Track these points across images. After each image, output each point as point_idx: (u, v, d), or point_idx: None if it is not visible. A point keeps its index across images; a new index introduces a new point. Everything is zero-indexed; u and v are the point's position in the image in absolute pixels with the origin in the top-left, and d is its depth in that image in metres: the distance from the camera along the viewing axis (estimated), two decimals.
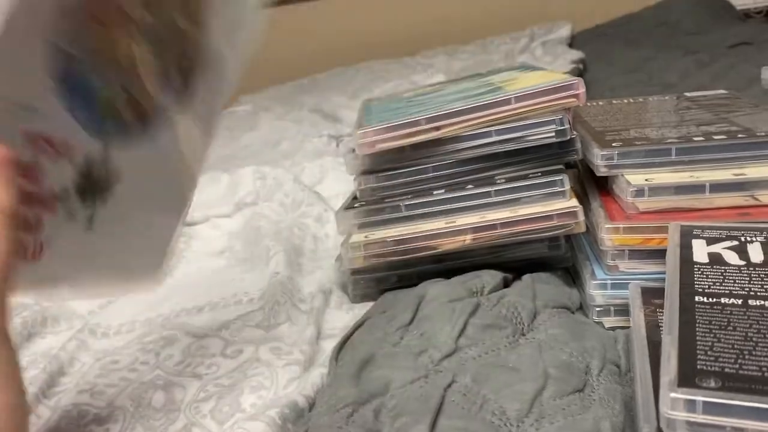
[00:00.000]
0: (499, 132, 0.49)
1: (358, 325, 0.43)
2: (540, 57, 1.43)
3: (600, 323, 0.44)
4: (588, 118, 0.59)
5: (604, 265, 0.45)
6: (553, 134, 0.48)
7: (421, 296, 0.44)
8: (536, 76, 0.53)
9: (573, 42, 1.57)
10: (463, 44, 1.76)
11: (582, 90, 0.49)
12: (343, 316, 0.48)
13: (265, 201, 0.64)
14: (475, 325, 0.39)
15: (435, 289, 0.44)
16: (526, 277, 0.46)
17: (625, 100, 0.65)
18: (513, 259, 0.48)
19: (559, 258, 0.48)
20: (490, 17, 1.91)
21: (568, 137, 0.48)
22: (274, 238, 0.57)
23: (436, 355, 0.37)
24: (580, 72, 1.26)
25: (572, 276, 0.51)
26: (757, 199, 0.45)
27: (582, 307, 0.47)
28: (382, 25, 2.03)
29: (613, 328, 0.44)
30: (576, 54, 1.35)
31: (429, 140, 0.49)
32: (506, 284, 0.47)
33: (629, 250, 0.44)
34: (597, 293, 0.44)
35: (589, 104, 0.65)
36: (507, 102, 0.48)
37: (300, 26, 2.06)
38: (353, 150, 0.51)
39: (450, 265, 0.49)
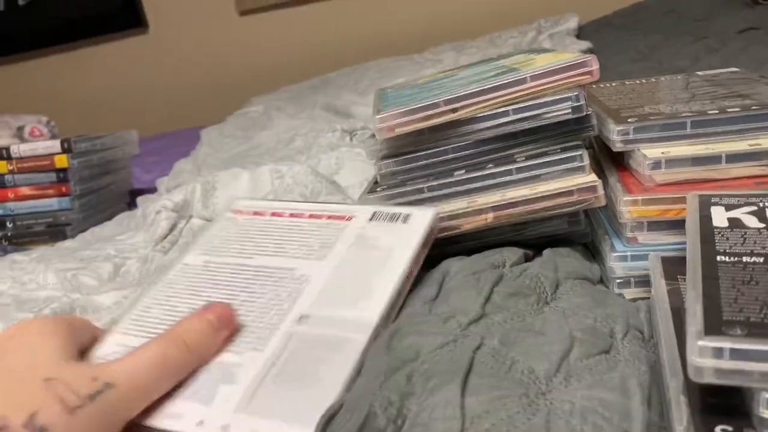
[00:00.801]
0: (516, 111, 0.50)
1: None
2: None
3: (621, 295, 0.45)
4: (602, 97, 0.60)
5: (623, 238, 0.46)
6: (570, 110, 0.49)
7: (445, 272, 0.45)
8: (549, 57, 0.54)
9: (580, 33, 1.58)
10: (471, 39, 1.77)
11: (596, 66, 0.50)
12: None
13: (288, 196, 0.65)
14: (500, 293, 0.40)
15: (458, 264, 0.45)
16: (547, 251, 0.47)
17: (638, 81, 0.65)
18: (534, 236, 0.49)
19: (579, 233, 0.49)
20: (497, 11, 1.92)
21: (584, 113, 0.49)
22: None
23: (464, 320, 0.38)
24: None
25: (592, 252, 0.51)
26: None
27: (603, 281, 0.48)
28: (388, 23, 2.04)
29: (634, 300, 0.45)
30: (584, 44, 1.36)
31: (447, 122, 0.51)
32: (527, 259, 0.48)
33: (648, 221, 0.45)
34: (617, 265, 0.45)
35: (602, 85, 0.66)
36: (523, 81, 0.49)
37: (307, 28, 2.08)
38: (372, 135, 0.52)
39: (472, 244, 0.50)
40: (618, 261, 0.45)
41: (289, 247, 0.48)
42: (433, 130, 0.51)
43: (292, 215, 0.51)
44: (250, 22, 2.09)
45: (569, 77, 0.49)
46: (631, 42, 1.35)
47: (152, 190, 1.04)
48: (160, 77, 2.14)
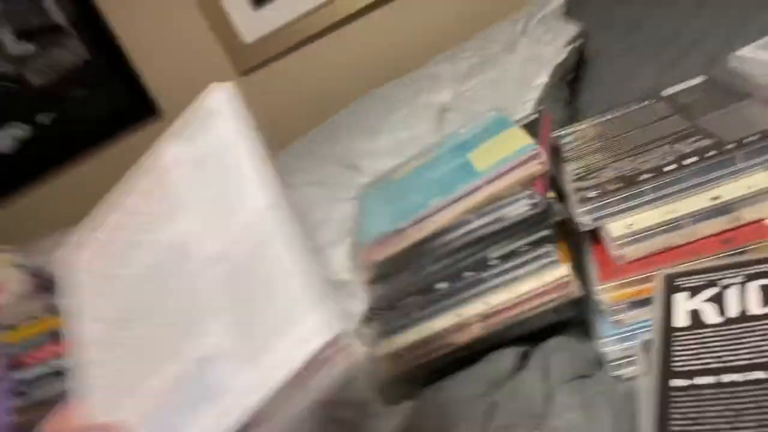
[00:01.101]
0: (478, 216, 0.51)
1: None
2: (541, 36, 1.41)
3: (619, 376, 0.46)
4: (569, 153, 0.60)
5: (609, 322, 0.47)
6: (528, 207, 0.50)
7: (446, 400, 0.47)
8: (502, 144, 0.55)
9: (569, 9, 1.55)
10: (464, 41, 1.76)
11: (544, 157, 0.50)
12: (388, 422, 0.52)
13: None
14: (495, 430, 0.42)
15: (456, 390, 0.47)
16: (538, 354, 0.48)
17: (606, 117, 0.65)
18: (525, 333, 0.51)
19: (566, 320, 0.50)
20: (484, 7, 1.90)
21: (543, 208, 0.50)
22: None
23: None
24: (581, 48, 1.23)
25: (587, 325, 0.52)
26: (739, 219, 0.45)
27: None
28: (381, 48, 2.05)
29: (631, 378, 0.46)
30: (573, 29, 1.33)
31: (418, 240, 0.52)
32: (523, 357, 0.50)
33: (629, 302, 0.46)
34: (609, 350, 0.46)
35: (573, 131, 0.66)
36: (477, 188, 0.51)
37: (305, 72, 2.11)
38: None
39: (472, 349, 0.52)
40: (610, 345, 0.46)
41: None
42: (408, 249, 0.53)
43: None
44: (254, 81, 2.13)
45: (522, 173, 0.50)
46: (618, 12, 1.31)
47: None
48: None
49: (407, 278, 0.54)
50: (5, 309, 1.33)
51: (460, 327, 0.50)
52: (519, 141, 0.53)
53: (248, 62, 2.12)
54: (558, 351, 0.48)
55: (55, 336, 0.97)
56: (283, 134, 1.96)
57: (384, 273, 0.55)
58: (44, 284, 1.43)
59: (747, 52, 0.55)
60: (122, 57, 2.16)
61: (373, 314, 0.54)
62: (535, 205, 0.49)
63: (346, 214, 1.00)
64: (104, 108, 2.20)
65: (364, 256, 0.53)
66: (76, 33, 2.12)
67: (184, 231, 0.41)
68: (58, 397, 0.94)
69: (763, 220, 0.45)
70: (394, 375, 0.52)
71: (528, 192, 0.49)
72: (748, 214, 0.45)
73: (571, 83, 1.08)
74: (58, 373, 0.97)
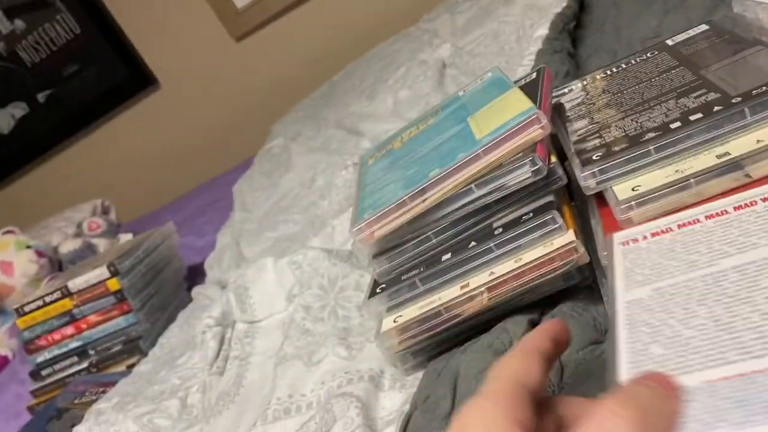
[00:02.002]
0: (479, 185, 0.50)
1: (406, 423, 0.46)
2: None
3: None
4: (571, 111, 0.59)
5: None
6: (530, 174, 0.49)
7: (456, 373, 0.47)
8: (501, 109, 0.54)
9: None
10: None
11: (545, 121, 0.49)
12: (396, 395, 0.52)
13: (308, 289, 0.69)
14: None
15: (466, 361, 0.47)
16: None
17: (609, 71, 0.63)
18: (534, 300, 0.50)
19: (575, 285, 0.50)
20: None
21: (546, 173, 0.48)
22: (320, 334, 0.62)
23: None
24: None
25: (597, 287, 0.52)
26: (749, 176, 0.44)
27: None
28: (373, 7, 2.01)
29: None
30: None
31: (420, 212, 0.52)
32: (533, 325, 0.49)
33: None
34: None
35: (573, 87, 0.64)
36: (477, 157, 0.50)
37: (303, 32, 2.07)
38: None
39: (481, 319, 0.51)
40: None
41: (756, 238, 0.35)
42: (410, 221, 0.53)
43: (710, 217, 0.40)
44: (249, 46, 2.10)
45: (521, 139, 0.49)
46: None
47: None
48: (184, 128, 2.20)
49: (411, 251, 0.53)
50: (16, 291, 1.35)
51: (467, 298, 0.49)
52: (518, 105, 0.52)
53: (242, 28, 2.09)
54: (568, 318, 0.47)
55: (66, 318, 0.99)
56: (281, 99, 1.95)
57: (387, 247, 0.54)
58: (53, 264, 1.44)
59: None
60: (114, 29, 2.13)
61: (380, 288, 0.54)
62: (537, 171, 0.48)
63: (348, 181, 0.99)
64: (100, 82, 2.18)
65: (366, 231, 0.52)
66: (66, 7, 2.09)
67: None
68: (73, 377, 0.96)
69: None
70: (402, 348, 0.52)
71: (529, 158, 0.48)
72: (757, 171, 0.44)
73: (573, 31, 1.05)
74: (72, 355, 0.99)
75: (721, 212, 0.39)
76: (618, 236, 0.43)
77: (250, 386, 0.64)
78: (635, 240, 0.41)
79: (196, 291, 0.98)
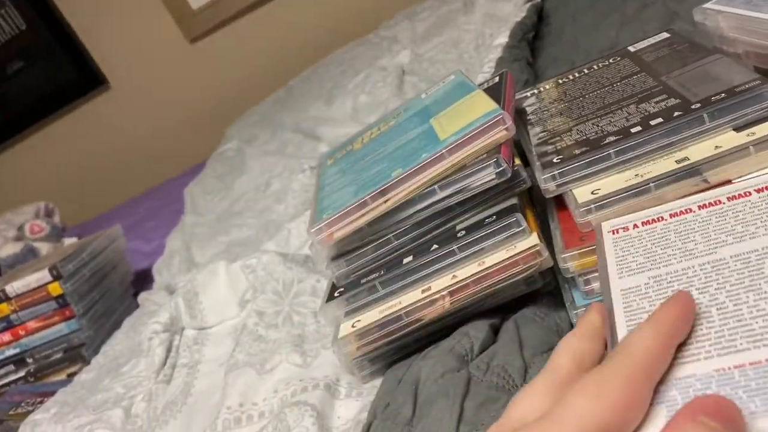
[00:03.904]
0: (442, 187, 0.49)
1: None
2: None
3: None
4: (532, 115, 0.58)
5: (580, 291, 0.46)
6: (494, 176, 0.48)
7: (417, 378, 0.46)
8: (465, 110, 0.53)
9: None
10: (421, 1, 1.72)
11: (509, 122, 0.48)
12: (352, 404, 0.50)
13: (261, 294, 0.66)
14: (471, 407, 0.41)
15: (427, 366, 0.46)
16: (510, 325, 0.47)
17: (570, 76, 0.63)
18: (495, 305, 0.49)
19: (538, 290, 0.49)
20: None
21: (510, 175, 0.48)
22: (274, 341, 0.60)
23: None
24: (541, 4, 1.21)
25: (559, 293, 0.51)
26: (707, 181, 0.44)
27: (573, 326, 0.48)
28: (337, 10, 1.99)
29: None
30: None
31: (381, 213, 0.50)
32: (495, 330, 0.48)
33: (596, 270, 0.45)
34: None
35: (534, 91, 0.64)
36: (441, 158, 0.49)
37: (261, 36, 2.04)
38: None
39: (441, 324, 0.50)
40: None
41: (754, 228, 0.35)
42: (371, 223, 0.51)
43: (703, 206, 0.40)
44: (205, 48, 2.06)
45: (486, 140, 0.48)
46: None
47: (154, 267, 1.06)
48: (135, 130, 2.14)
49: (371, 254, 0.52)
50: None
51: (428, 302, 0.48)
52: (482, 106, 0.51)
53: (197, 29, 2.04)
54: (531, 322, 0.47)
55: (3, 324, 0.93)
56: (237, 102, 1.91)
57: (346, 249, 0.52)
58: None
59: (712, 5, 0.54)
60: (62, 26, 2.06)
61: (338, 292, 0.52)
62: (501, 173, 0.47)
63: (305, 185, 0.97)
64: (47, 80, 2.10)
65: (325, 231, 0.50)
66: (11, 1, 2.01)
67: None
68: (8, 387, 0.91)
69: (730, 181, 0.44)
70: (360, 355, 0.51)
71: (493, 159, 0.47)
72: (715, 176, 0.44)
73: (532, 42, 1.06)
74: (8, 363, 0.93)
75: (715, 202, 0.39)
76: (606, 224, 0.42)
77: (199, 395, 0.62)
78: (625, 228, 0.41)
79: (143, 297, 0.94)
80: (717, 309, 0.31)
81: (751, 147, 0.43)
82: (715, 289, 0.32)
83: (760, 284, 0.31)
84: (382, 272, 0.51)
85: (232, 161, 1.35)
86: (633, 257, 0.38)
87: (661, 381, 0.28)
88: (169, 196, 1.57)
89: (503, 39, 1.01)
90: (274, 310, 0.65)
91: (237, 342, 0.63)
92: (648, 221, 0.41)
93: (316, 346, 0.59)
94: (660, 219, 0.40)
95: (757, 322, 0.29)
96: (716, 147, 0.44)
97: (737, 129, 0.45)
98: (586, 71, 0.63)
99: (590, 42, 0.94)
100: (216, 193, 1.23)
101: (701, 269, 0.34)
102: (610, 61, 0.62)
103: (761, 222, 0.35)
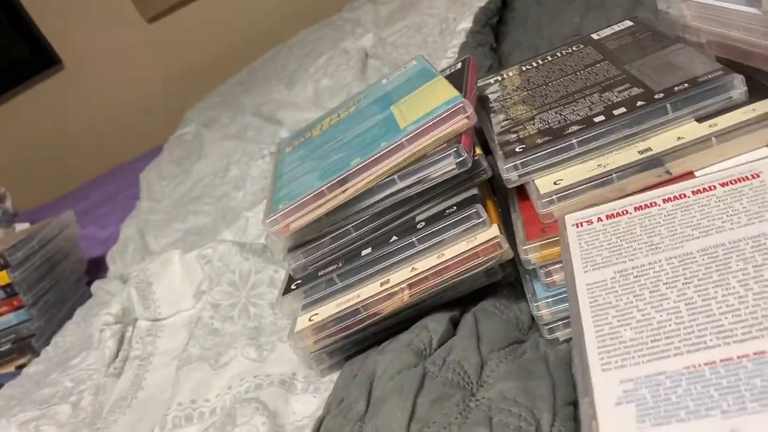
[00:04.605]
0: (402, 177, 0.48)
1: (318, 428, 0.43)
2: None
3: (555, 339, 0.45)
4: (495, 103, 0.57)
5: (541, 282, 0.45)
6: (454, 166, 0.46)
7: (372, 373, 0.44)
8: (426, 97, 0.51)
9: None
10: None
11: (470, 111, 0.47)
12: (309, 399, 0.49)
13: (217, 286, 0.64)
14: (424, 404, 0.40)
15: (383, 362, 0.44)
16: (469, 319, 0.46)
17: (534, 63, 0.62)
18: (455, 297, 0.48)
19: (498, 282, 0.48)
20: None
21: (470, 165, 0.46)
22: (230, 335, 0.58)
23: None
24: None
25: (519, 286, 0.50)
26: (669, 173, 0.44)
27: (534, 318, 0.47)
28: None
29: (567, 341, 0.44)
30: None
31: (340, 203, 0.49)
32: (455, 322, 0.47)
33: (558, 261, 0.44)
34: (543, 313, 0.44)
35: (498, 78, 0.63)
36: (401, 147, 0.47)
37: (220, 17, 1.99)
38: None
39: (400, 317, 0.49)
40: (544, 308, 0.44)
41: (720, 222, 0.34)
42: (329, 213, 0.49)
43: (668, 200, 0.39)
44: (163, 28, 2.00)
45: (446, 128, 0.47)
46: None
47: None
48: (89, 111, 2.07)
49: (329, 245, 0.50)
50: None
51: (387, 295, 0.47)
52: (444, 94, 0.50)
53: (155, 8, 1.98)
54: (490, 316, 0.46)
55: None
56: (196, 84, 1.86)
57: (303, 240, 0.51)
58: None
59: None
60: (13, 3, 1.97)
61: (295, 285, 0.51)
62: (461, 163, 0.46)
63: (264, 171, 0.95)
64: (3, 58, 2.01)
65: (281, 222, 0.49)
66: None
67: None
68: (5, 355, 0.86)
69: (692, 173, 0.44)
70: (317, 349, 0.49)
71: (453, 149, 0.46)
72: (677, 167, 0.44)
73: (495, 27, 1.05)
74: (2, 332, 0.88)
75: (680, 195, 0.39)
76: (570, 218, 0.42)
77: (151, 389, 0.60)
78: (589, 221, 0.40)
79: (96, 286, 0.91)
80: (685, 304, 0.30)
81: (713, 138, 0.42)
82: (683, 284, 0.31)
83: (728, 279, 0.30)
84: (340, 264, 0.50)
85: (190, 145, 1.32)
86: (598, 251, 0.37)
87: (631, 379, 0.28)
88: (125, 180, 1.52)
89: (467, 24, 1.00)
90: (229, 302, 0.63)
91: (191, 335, 0.61)
92: (612, 215, 0.40)
93: (272, 339, 0.57)
94: (625, 212, 0.40)
95: (726, 318, 0.28)
96: (678, 138, 0.44)
97: (699, 120, 0.44)
98: (549, 58, 0.62)
99: (554, 28, 0.93)
100: (173, 179, 1.20)
101: (668, 263, 0.33)
102: (574, 48, 0.61)
103: (727, 216, 0.35)
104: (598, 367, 0.29)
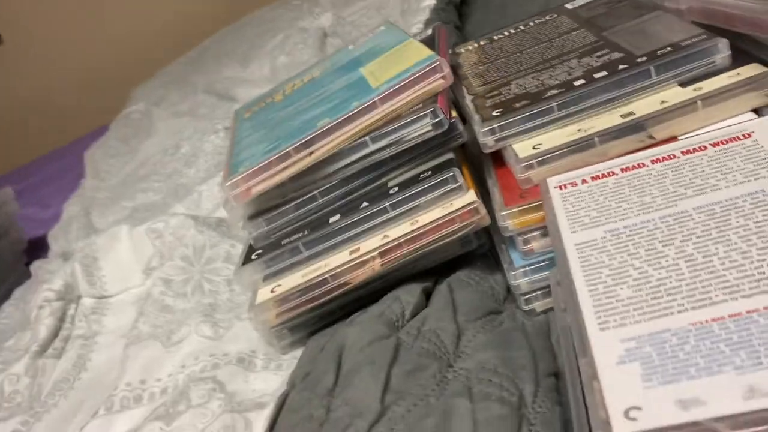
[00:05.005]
0: (374, 139, 0.45)
1: (281, 403, 0.40)
2: None
3: (532, 310, 0.43)
4: (467, 70, 0.55)
5: (519, 251, 0.43)
6: (430, 128, 0.44)
7: (341, 345, 0.42)
8: (399, 57, 0.49)
9: None
10: None
11: (447, 70, 0.45)
12: (270, 377, 0.46)
13: (169, 261, 0.60)
14: (399, 375, 0.37)
15: (353, 333, 0.42)
16: (444, 289, 0.44)
17: (506, 32, 0.60)
18: (428, 266, 0.46)
19: (472, 252, 0.46)
20: None
21: (447, 126, 0.44)
22: (182, 311, 0.54)
23: (363, 425, 0.34)
24: None
25: (494, 256, 0.48)
26: (652, 137, 0.42)
27: (510, 290, 0.45)
28: None
29: (545, 311, 0.42)
30: None
31: (306, 166, 0.45)
32: (428, 295, 0.45)
33: (541, 230, 0.42)
34: (520, 282, 0.42)
35: (470, 48, 0.60)
36: (373, 107, 0.44)
37: None
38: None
39: (370, 288, 0.46)
40: (520, 278, 0.42)
41: (714, 180, 0.33)
42: (294, 178, 0.46)
43: (656, 161, 0.37)
44: (109, 2, 1.91)
45: (421, 88, 0.44)
46: None
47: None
48: (30, 89, 1.97)
49: (293, 212, 0.47)
50: None
51: (357, 264, 0.44)
52: (417, 53, 0.47)
53: None
54: (465, 286, 0.44)
55: None
56: (144, 62, 1.79)
57: (266, 207, 0.47)
58: None
59: None
60: None
61: (255, 255, 0.47)
62: (438, 124, 0.44)
63: (219, 146, 0.90)
64: None
65: (242, 186, 0.45)
66: None
67: None
68: None
69: (675, 138, 0.42)
70: (279, 323, 0.46)
71: (430, 110, 0.43)
72: (660, 132, 0.42)
73: (459, 7, 1.03)
74: None
75: (669, 156, 0.37)
76: (552, 180, 0.39)
77: (95, 370, 0.55)
78: (573, 183, 0.38)
79: (36, 265, 0.85)
80: (685, 261, 0.28)
81: (698, 102, 0.41)
82: (681, 241, 0.30)
83: (728, 235, 0.29)
84: (306, 232, 0.46)
85: (138, 123, 1.26)
86: (585, 212, 0.35)
87: (633, 337, 0.25)
88: (69, 160, 1.45)
89: (430, 2, 0.98)
90: (183, 278, 0.59)
91: (141, 312, 0.57)
92: (598, 176, 0.38)
93: (229, 316, 0.54)
94: (611, 174, 0.38)
95: (731, 273, 0.27)
96: (662, 102, 0.42)
97: (683, 84, 0.43)
98: (522, 27, 0.60)
99: (519, 8, 0.92)
100: (120, 157, 1.14)
101: (662, 222, 0.31)
102: (547, 18, 0.60)
103: (722, 175, 0.33)
104: (596, 327, 0.27)
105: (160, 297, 0.58)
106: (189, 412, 0.44)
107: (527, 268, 0.42)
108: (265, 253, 0.47)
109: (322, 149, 0.45)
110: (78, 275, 0.65)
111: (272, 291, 0.46)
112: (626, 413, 0.23)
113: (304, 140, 0.45)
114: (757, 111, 0.41)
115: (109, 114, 1.52)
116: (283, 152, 0.45)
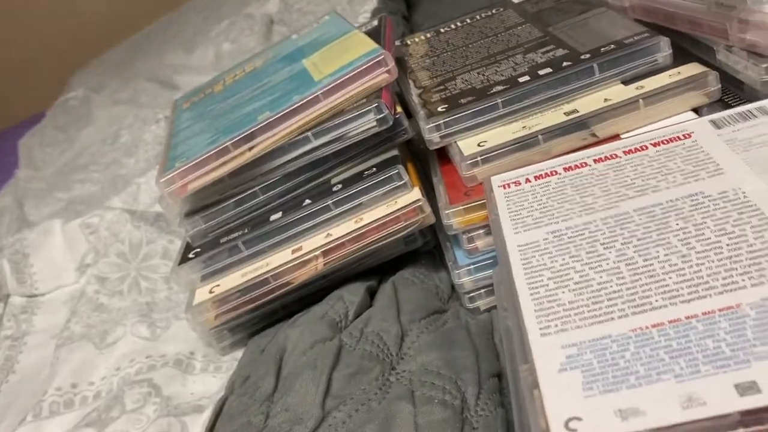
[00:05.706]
0: (316, 135, 0.43)
1: (219, 409, 0.39)
2: None
3: (476, 308, 0.42)
4: (414, 63, 0.54)
5: (463, 249, 0.42)
6: (375, 123, 0.43)
7: (282, 348, 0.40)
8: (343, 50, 0.47)
9: None
10: None
11: (391, 64, 0.44)
12: (209, 380, 0.44)
13: (104, 257, 0.57)
14: (340, 379, 0.36)
15: (295, 335, 0.41)
16: (388, 287, 0.43)
17: (453, 25, 0.60)
18: (373, 265, 0.45)
19: (417, 250, 0.45)
20: None
21: (391, 122, 0.43)
22: (118, 311, 0.52)
23: None
24: None
25: (439, 254, 0.48)
26: (595, 135, 0.42)
27: (454, 288, 0.45)
28: None
29: (489, 310, 0.42)
30: None
31: (245, 162, 0.44)
32: (372, 293, 0.44)
33: (484, 229, 0.41)
34: (464, 281, 0.42)
35: (417, 40, 0.60)
36: (316, 100, 0.43)
37: None
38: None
39: (312, 288, 0.45)
40: (464, 276, 0.42)
41: (655, 182, 0.33)
42: (233, 174, 0.45)
43: (598, 160, 0.37)
44: None
45: (365, 83, 0.43)
46: None
47: None
48: None
49: (233, 209, 0.45)
50: None
51: (299, 263, 0.43)
52: (362, 46, 0.46)
53: None
54: (410, 285, 0.43)
55: None
56: (83, 48, 1.72)
57: (203, 204, 0.46)
58: None
59: None
60: None
61: (193, 253, 0.45)
62: (382, 120, 0.43)
63: (159, 137, 0.87)
64: None
65: (177, 182, 0.43)
66: None
67: None
68: None
69: (618, 136, 0.42)
70: (218, 324, 0.44)
71: (374, 105, 0.42)
72: (603, 130, 0.42)
73: None
74: None
75: (611, 156, 0.37)
76: (496, 179, 0.39)
77: (23, 373, 0.52)
78: (516, 182, 0.38)
79: None
80: (626, 265, 0.28)
81: (640, 101, 0.41)
82: (622, 243, 0.29)
83: (668, 238, 0.29)
84: (246, 230, 0.45)
85: (77, 111, 1.21)
86: (528, 212, 0.34)
87: (574, 343, 0.25)
88: (2, 148, 1.38)
89: None
90: (118, 275, 0.56)
91: (73, 312, 0.54)
92: (541, 175, 0.38)
93: (167, 315, 0.52)
94: (553, 173, 0.37)
95: (671, 278, 0.26)
96: (605, 100, 0.42)
97: (625, 82, 0.43)
98: (468, 20, 0.59)
99: (467, 1, 0.91)
100: (56, 146, 1.09)
101: (604, 223, 0.31)
102: (493, 12, 0.59)
103: (662, 176, 0.33)
104: (537, 332, 0.27)
105: (95, 295, 0.56)
106: (123, 417, 0.42)
107: (471, 267, 0.42)
108: (203, 251, 0.45)
109: (263, 144, 0.43)
110: (6, 273, 0.62)
111: (211, 291, 0.44)
112: (566, 424, 0.22)
113: (243, 134, 0.43)
114: (697, 110, 0.41)
115: (46, 101, 1.46)
116: (222, 147, 0.43)
